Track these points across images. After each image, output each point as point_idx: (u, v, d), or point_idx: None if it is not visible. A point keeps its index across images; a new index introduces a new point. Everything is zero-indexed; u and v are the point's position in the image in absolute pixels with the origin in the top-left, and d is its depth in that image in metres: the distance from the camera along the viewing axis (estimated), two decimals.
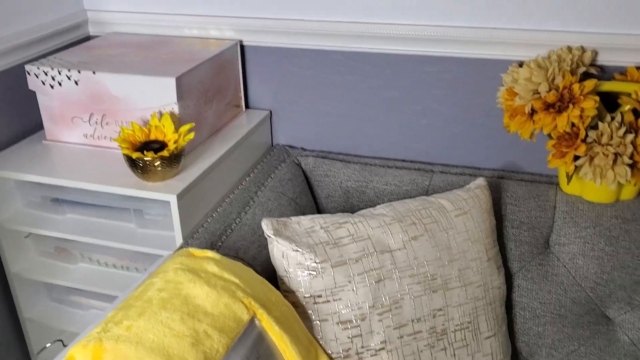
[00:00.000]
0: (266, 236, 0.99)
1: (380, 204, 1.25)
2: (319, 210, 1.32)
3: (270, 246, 0.99)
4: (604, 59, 1.16)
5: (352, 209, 1.28)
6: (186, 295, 0.80)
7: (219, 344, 0.76)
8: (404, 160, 1.37)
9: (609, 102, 1.13)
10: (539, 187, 1.20)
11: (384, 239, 1.03)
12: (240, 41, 1.38)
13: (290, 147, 1.45)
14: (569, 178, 1.12)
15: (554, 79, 1.08)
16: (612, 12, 1.12)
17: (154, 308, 0.77)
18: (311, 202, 1.31)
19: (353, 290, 0.98)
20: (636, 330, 1.09)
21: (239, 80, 1.39)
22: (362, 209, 1.27)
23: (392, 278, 1.00)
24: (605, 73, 1.18)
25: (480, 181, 1.15)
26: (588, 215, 1.13)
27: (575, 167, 1.09)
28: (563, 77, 1.07)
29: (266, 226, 0.99)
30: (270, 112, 1.44)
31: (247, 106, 1.45)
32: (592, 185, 1.13)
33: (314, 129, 1.43)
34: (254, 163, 1.34)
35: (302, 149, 1.45)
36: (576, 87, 1.06)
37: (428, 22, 1.24)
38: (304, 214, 1.21)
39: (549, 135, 1.13)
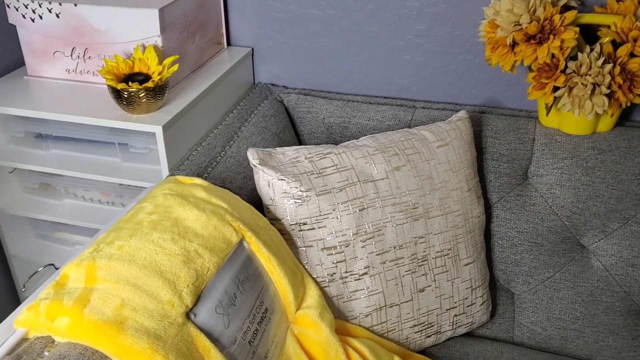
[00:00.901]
0: (252, 165, 1.00)
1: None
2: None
3: (255, 176, 1.01)
4: None
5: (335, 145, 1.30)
6: (176, 218, 0.82)
7: (210, 263, 0.78)
8: (386, 97, 1.39)
9: (589, 36, 1.15)
10: (518, 121, 1.23)
11: (367, 169, 1.05)
12: None
13: (273, 85, 1.45)
14: (548, 110, 1.14)
15: (535, 10, 1.09)
16: None
17: (144, 229, 0.78)
18: (294, 137, 1.32)
19: (337, 218, 1.00)
20: (609, 257, 1.14)
21: (221, 16, 1.38)
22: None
23: (375, 207, 1.03)
24: (585, 7, 1.19)
25: (462, 114, 1.17)
26: (565, 147, 1.16)
27: (555, 98, 1.12)
28: (544, 8, 1.08)
29: (252, 155, 1.00)
30: (252, 49, 1.44)
31: (228, 43, 1.44)
32: (570, 118, 1.16)
33: (296, 66, 1.43)
34: (237, 100, 1.34)
35: (284, 87, 1.45)
36: (557, 18, 1.07)
37: None
38: None
39: (530, 68, 1.15)
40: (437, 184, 1.08)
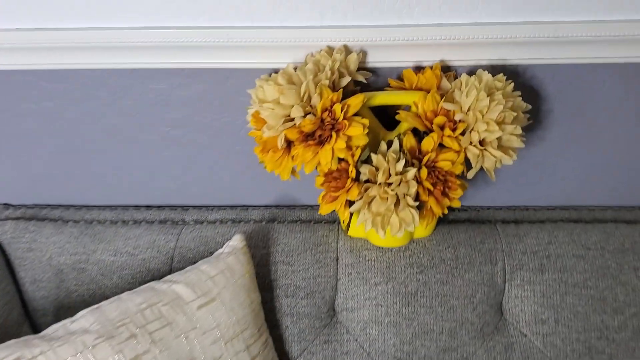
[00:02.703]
0: None
1: (106, 283, 0.89)
2: (23, 302, 0.93)
3: None
4: (375, 60, 0.88)
5: (68, 297, 0.91)
6: None
7: None
8: (148, 207, 1.02)
9: (389, 120, 0.86)
10: (317, 232, 0.92)
11: None
12: None
13: None
14: (347, 227, 0.84)
15: (309, 98, 0.78)
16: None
17: None
18: (11, 292, 0.91)
19: None
20: None
21: None
22: (83, 294, 0.90)
23: None
24: (379, 77, 0.90)
25: (236, 242, 0.84)
26: (378, 267, 0.87)
27: (351, 213, 0.82)
28: (321, 95, 0.77)
29: None
30: None
31: None
32: None
33: (19, 176, 1.02)
34: None
35: (4, 205, 1.03)
36: (338, 109, 0.77)
37: (143, 24, 0.87)
38: None
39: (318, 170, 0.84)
40: None
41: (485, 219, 0.95)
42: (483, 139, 0.77)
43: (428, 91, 0.82)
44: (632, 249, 0.86)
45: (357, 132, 0.76)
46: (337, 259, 0.89)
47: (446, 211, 0.81)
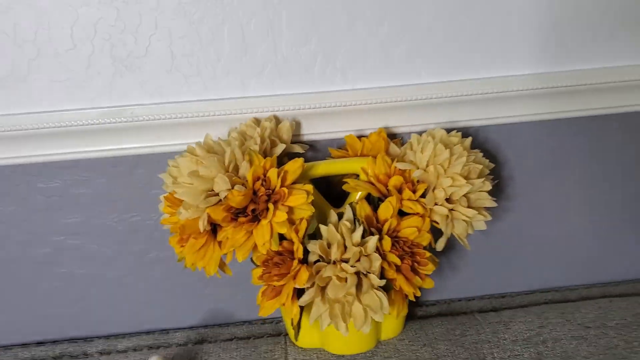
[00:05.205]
0: None
1: None
2: None
3: None
4: (310, 131, 0.76)
5: None
6: None
7: None
8: (40, 343, 0.80)
9: (335, 197, 0.73)
10: (258, 347, 0.73)
11: None
12: None
13: None
14: (297, 329, 0.66)
15: (236, 167, 0.64)
16: (302, 63, 0.73)
17: None
18: None
19: None
20: None
21: None
22: None
23: None
24: (318, 152, 0.78)
25: None
26: None
27: (302, 309, 0.64)
28: (251, 162, 0.63)
29: None
30: None
31: None
32: (336, 331, 0.69)
33: None
34: None
35: None
36: (273, 174, 0.62)
37: (27, 109, 0.72)
38: None
39: (252, 261, 0.67)
40: None
41: (460, 310, 0.79)
42: (450, 196, 0.64)
43: (374, 157, 0.69)
44: (637, 322, 0.72)
45: (300, 200, 0.61)
46: None
47: (419, 293, 0.65)
